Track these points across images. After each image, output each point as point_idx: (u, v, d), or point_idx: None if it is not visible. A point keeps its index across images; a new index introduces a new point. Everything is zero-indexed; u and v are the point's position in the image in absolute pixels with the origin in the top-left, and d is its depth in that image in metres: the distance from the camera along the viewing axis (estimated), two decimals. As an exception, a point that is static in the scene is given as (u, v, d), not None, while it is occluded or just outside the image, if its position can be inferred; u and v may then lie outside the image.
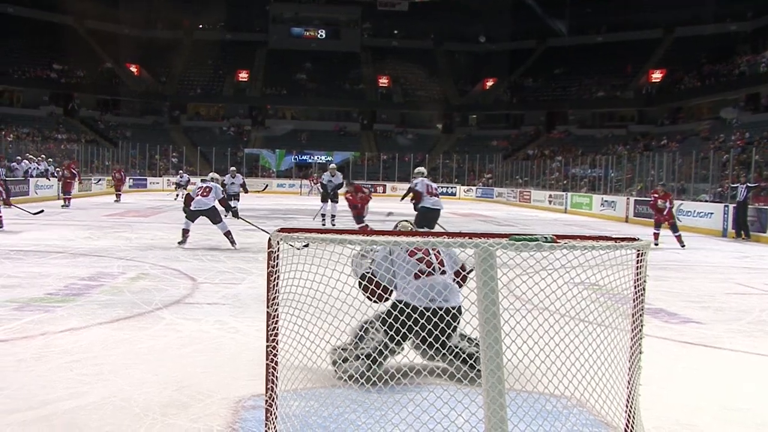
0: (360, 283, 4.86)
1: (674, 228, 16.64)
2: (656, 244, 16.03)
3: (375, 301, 4.77)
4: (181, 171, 36.61)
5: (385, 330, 4.75)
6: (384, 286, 4.94)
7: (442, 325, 4.40)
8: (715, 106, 46.31)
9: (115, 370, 5.33)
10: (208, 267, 10.88)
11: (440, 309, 4.62)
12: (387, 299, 4.90)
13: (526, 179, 43.95)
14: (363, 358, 4.77)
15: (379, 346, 4.72)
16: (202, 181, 16.64)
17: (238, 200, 21.08)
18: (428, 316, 4.47)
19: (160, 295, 8.36)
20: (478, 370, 4.68)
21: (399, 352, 4.76)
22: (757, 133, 36.29)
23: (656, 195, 16.94)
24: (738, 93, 43.89)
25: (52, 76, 53.10)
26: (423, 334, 4.29)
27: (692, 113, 49.05)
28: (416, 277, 4.87)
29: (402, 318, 4.53)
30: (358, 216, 16.67)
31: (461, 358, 4.86)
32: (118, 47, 55.57)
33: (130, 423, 4.25)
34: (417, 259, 4.94)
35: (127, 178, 33.13)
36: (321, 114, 60.46)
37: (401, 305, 4.55)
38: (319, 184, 20.32)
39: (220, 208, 13.71)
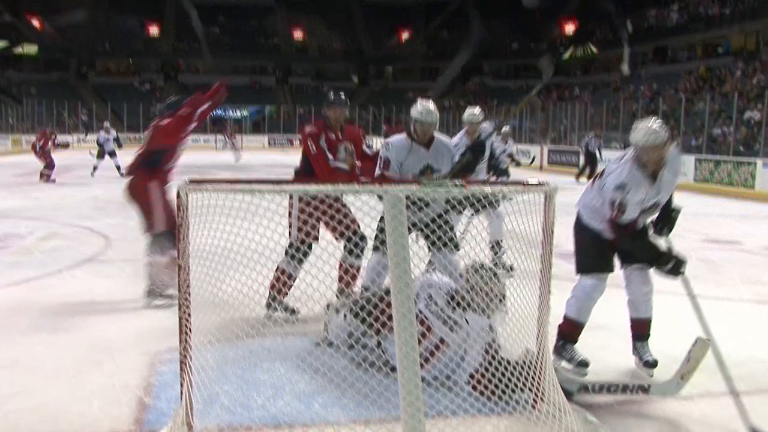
0: None
1: None
2: None
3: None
4: (106, 124, 22.71)
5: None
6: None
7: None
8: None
9: (24, 332, 5.21)
10: (122, 224, 10.63)
11: None
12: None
13: (442, 131, 44.21)
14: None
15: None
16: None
17: None
18: None
19: (72, 254, 8.17)
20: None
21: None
22: (665, 84, 37.34)
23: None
24: (647, 46, 44.89)
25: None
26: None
27: (604, 65, 50.00)
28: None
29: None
30: None
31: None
32: (16, -1, 52.83)
33: (41, 384, 4.17)
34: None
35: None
36: (235, 68, 59.21)
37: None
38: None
39: None
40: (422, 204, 4.68)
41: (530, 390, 3.51)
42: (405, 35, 60.84)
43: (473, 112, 7.72)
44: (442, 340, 4.06)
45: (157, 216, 6.08)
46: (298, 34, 60.52)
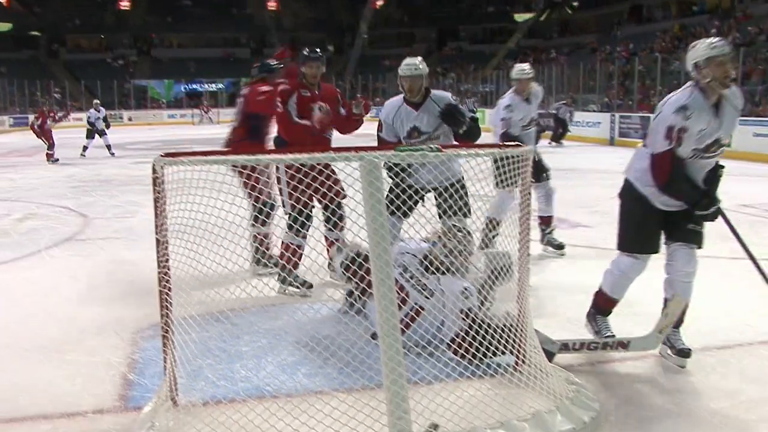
0: None
1: None
2: None
3: None
4: (96, 101, 21.34)
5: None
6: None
7: None
8: (601, 18, 47.35)
9: (5, 313, 5.17)
10: (100, 202, 10.58)
11: None
12: None
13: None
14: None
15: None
16: None
17: None
18: None
19: (49, 234, 8.10)
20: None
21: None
22: (641, 43, 37.34)
23: None
24: (623, 5, 44.93)
25: None
26: None
27: (580, 26, 49.99)
28: None
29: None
30: None
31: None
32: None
33: (24, 364, 4.15)
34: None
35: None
36: (209, 41, 58.54)
37: None
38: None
39: None
40: (436, 163, 4.53)
41: (511, 352, 3.54)
42: (379, 2, 60.31)
43: (523, 68, 6.83)
44: (421, 307, 4.07)
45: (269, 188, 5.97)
46: (271, 4, 59.80)
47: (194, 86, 52.67)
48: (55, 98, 47.10)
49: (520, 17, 50.16)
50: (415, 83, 5.22)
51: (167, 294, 3.31)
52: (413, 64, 5.25)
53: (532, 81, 6.83)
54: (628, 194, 4.13)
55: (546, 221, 6.98)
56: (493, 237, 6.43)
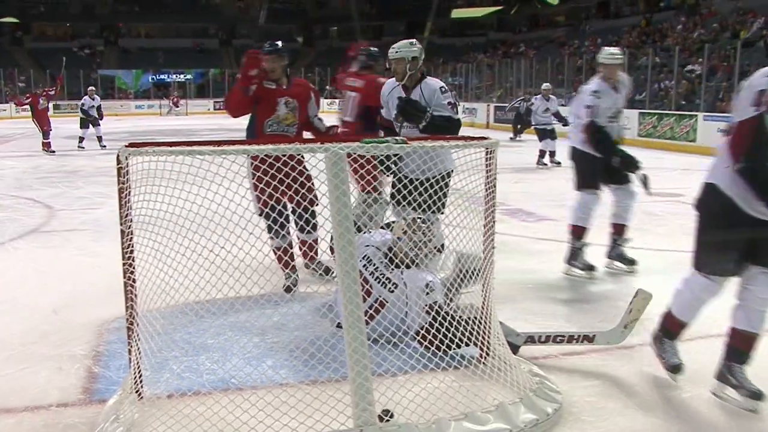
0: None
1: None
2: None
3: None
4: (91, 88, 19.97)
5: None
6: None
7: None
8: (570, 13, 47.71)
9: (-33, 305, 5.10)
10: (65, 193, 10.47)
11: None
12: None
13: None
14: None
15: None
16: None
17: None
18: None
19: (14, 226, 8.00)
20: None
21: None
22: (609, 38, 37.69)
23: None
24: (591, 0, 45.34)
25: None
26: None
27: (549, 20, 50.30)
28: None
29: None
30: None
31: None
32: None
33: (-14, 355, 4.11)
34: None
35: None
36: (177, 31, 57.95)
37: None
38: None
39: None
40: (424, 158, 4.33)
41: (476, 344, 3.57)
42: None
43: (612, 52, 6.02)
44: (385, 300, 4.09)
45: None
46: (240, -5, 59.39)
47: (162, 77, 52.09)
48: (19, 87, 46.31)
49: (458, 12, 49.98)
50: (398, 66, 5.12)
51: (132, 286, 3.30)
52: (395, 47, 5.17)
53: (620, 67, 6.11)
54: (707, 202, 3.60)
55: (619, 230, 6.19)
56: (580, 248, 6.11)
